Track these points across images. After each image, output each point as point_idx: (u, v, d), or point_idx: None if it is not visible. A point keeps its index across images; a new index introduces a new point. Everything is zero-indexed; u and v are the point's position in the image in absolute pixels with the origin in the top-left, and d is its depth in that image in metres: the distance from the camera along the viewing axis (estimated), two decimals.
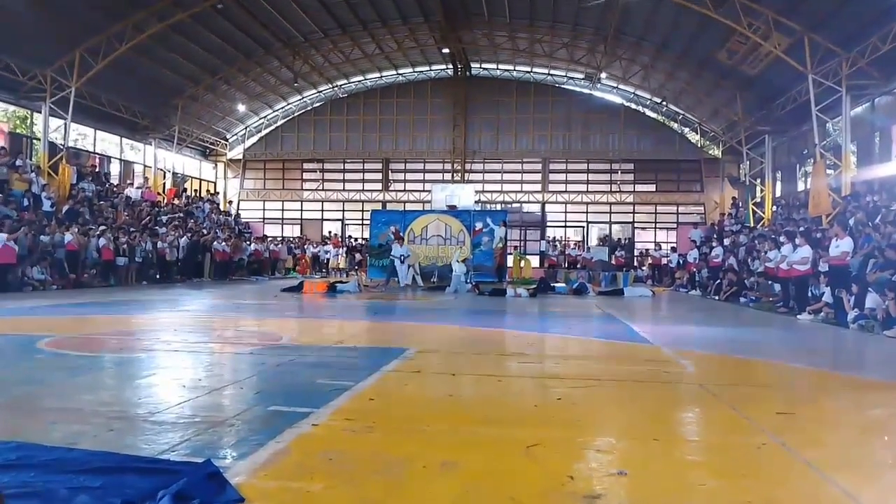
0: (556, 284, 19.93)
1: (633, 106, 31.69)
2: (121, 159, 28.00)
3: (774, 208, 24.07)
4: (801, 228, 15.44)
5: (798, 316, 12.03)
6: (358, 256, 28.95)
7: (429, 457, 3.18)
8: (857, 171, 19.29)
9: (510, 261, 25.37)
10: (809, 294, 12.73)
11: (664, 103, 30.06)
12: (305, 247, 30.08)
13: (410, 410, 4.26)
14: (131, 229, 20.07)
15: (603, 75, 28.73)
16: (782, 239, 14.37)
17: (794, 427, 3.94)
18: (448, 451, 3.30)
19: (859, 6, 16.14)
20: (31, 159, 21.33)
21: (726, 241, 21.62)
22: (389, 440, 3.51)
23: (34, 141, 22.63)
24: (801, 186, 24.64)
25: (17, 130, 23.36)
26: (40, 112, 21.35)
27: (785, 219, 21.03)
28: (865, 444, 3.75)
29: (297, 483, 2.82)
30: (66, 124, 21.44)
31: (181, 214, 25.83)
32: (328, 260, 29.66)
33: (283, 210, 34.49)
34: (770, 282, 15.46)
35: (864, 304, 10.32)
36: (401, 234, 21.13)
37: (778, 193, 25.98)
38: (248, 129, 33.96)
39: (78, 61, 20.54)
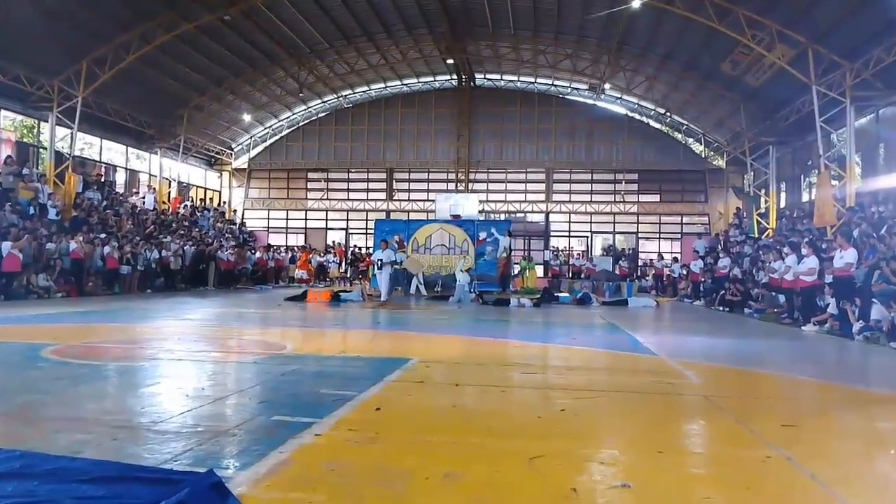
0: (560, 294, 19.89)
1: (637, 116, 31.75)
2: (126, 168, 28.14)
3: (780, 220, 24.03)
4: (807, 239, 15.41)
5: (803, 327, 11.99)
6: (361, 266, 28.92)
7: (431, 468, 3.17)
8: (862, 182, 19.25)
9: (516, 268, 25.41)
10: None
11: (668, 114, 30.10)
12: (310, 257, 30.08)
13: (413, 421, 4.25)
14: (136, 238, 20.13)
15: (607, 86, 28.81)
16: (786, 250, 14.35)
17: (799, 440, 3.92)
18: (451, 462, 3.29)
19: (863, 18, 16.17)
20: (37, 168, 21.45)
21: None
22: (392, 451, 3.50)
23: (41, 150, 22.77)
24: (805, 197, 24.61)
25: (25, 139, 23.50)
26: (47, 121, 21.52)
27: (789, 230, 20.99)
28: (871, 458, 3.73)
29: (300, 494, 2.81)
30: (72, 133, 21.58)
31: (186, 223, 25.92)
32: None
33: (287, 219, 34.59)
34: (774, 293, 15.41)
35: (870, 316, 10.28)
36: (404, 242, 21.16)
37: (782, 204, 25.96)
38: (253, 138, 34.12)
39: (85, 71, 20.69)
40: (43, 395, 4.70)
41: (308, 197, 34.39)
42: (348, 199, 34.01)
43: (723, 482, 3.15)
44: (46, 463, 2.91)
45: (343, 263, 30.11)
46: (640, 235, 32.31)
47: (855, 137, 18.06)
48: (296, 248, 30.68)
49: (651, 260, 29.74)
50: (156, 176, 28.74)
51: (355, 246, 32.41)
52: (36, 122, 23.12)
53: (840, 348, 9.63)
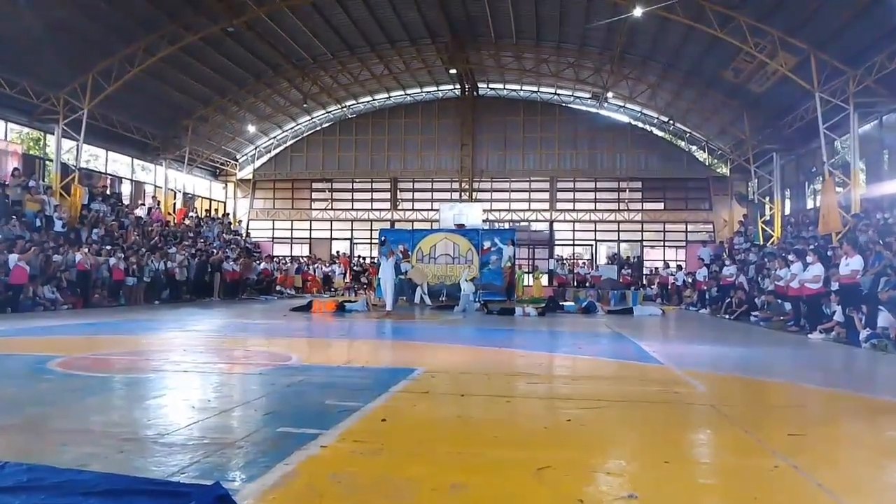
0: (565, 303, 19.85)
1: (640, 124, 31.79)
2: (132, 180, 28.29)
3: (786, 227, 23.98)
4: (812, 246, 15.36)
5: (809, 335, 11.94)
6: (363, 280, 28.97)
7: (438, 479, 3.16)
8: (867, 188, 19.23)
9: (525, 279, 25.41)
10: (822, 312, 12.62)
11: (671, 122, 30.13)
12: (315, 266, 30.18)
13: (419, 432, 4.25)
14: (142, 250, 20.20)
15: (609, 94, 28.87)
16: (791, 257, 14.31)
17: (806, 449, 3.90)
18: (457, 473, 3.28)
19: (866, 24, 16.19)
20: (43, 180, 21.58)
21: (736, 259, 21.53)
22: (398, 462, 3.50)
23: (47, 162, 22.93)
24: (810, 204, 24.56)
25: (31, 152, 23.68)
26: (53, 134, 21.67)
27: (794, 237, 20.93)
28: (879, 467, 3.71)
29: None
30: (78, 145, 21.72)
31: (191, 234, 26.03)
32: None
33: (292, 229, 34.68)
34: (780, 300, 15.36)
35: (876, 323, 10.23)
36: (408, 252, 21.24)
37: (787, 211, 25.90)
38: (257, 149, 34.27)
39: (90, 84, 20.86)
40: (50, 408, 4.71)
41: (312, 207, 34.48)
42: (352, 209, 34.10)
43: (730, 492, 3.13)
44: (54, 476, 2.91)
45: (348, 273, 30.18)
46: (644, 243, 32.25)
47: (859, 144, 18.06)
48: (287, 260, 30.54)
49: (656, 268, 29.70)
50: (161, 187, 28.89)
51: (360, 256, 32.46)
52: (42, 134, 23.32)
53: (847, 356, 9.58)
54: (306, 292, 27.24)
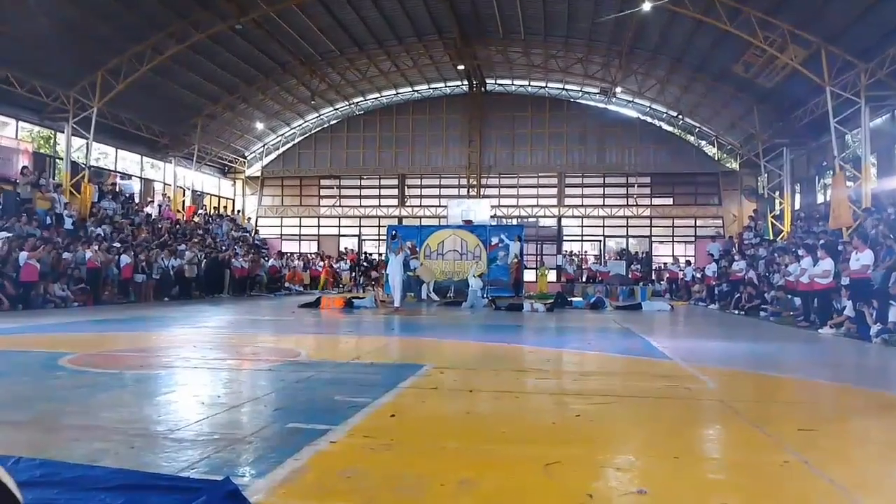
0: (574, 299, 19.83)
1: (649, 119, 31.61)
2: (141, 177, 28.42)
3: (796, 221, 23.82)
4: (822, 241, 15.26)
5: (819, 330, 11.87)
6: (374, 274, 29.04)
7: (447, 475, 3.17)
8: (878, 182, 19.06)
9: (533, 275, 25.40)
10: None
11: (680, 116, 29.95)
12: (323, 263, 30.26)
13: (428, 428, 4.25)
14: (152, 246, 20.31)
15: (618, 89, 28.74)
16: (801, 252, 14.22)
17: (817, 444, 3.88)
18: (466, 469, 3.29)
19: (877, 18, 16.04)
20: (53, 178, 21.74)
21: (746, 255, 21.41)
22: (407, 458, 3.50)
23: (57, 160, 23.07)
24: (820, 199, 24.39)
25: (41, 150, 23.83)
26: (63, 132, 21.83)
27: (805, 232, 20.80)
28: (890, 462, 3.68)
29: (316, 502, 2.82)
30: (87, 144, 21.85)
31: (200, 231, 26.14)
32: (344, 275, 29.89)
33: (300, 226, 34.75)
34: (790, 295, 15.28)
35: (887, 318, 10.16)
36: (416, 248, 21.28)
37: (797, 206, 25.73)
38: (266, 146, 34.35)
39: (100, 82, 20.98)
40: (61, 404, 4.74)
41: (321, 204, 34.54)
42: (360, 206, 34.14)
43: (740, 487, 3.12)
44: (66, 471, 2.94)
45: (356, 270, 30.23)
46: (653, 239, 32.12)
47: (870, 138, 17.90)
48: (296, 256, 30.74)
49: (665, 263, 29.58)
50: (170, 185, 29.02)
51: (366, 253, 32.50)
52: (52, 132, 23.46)
53: (857, 351, 9.52)
54: (324, 287, 27.35)
